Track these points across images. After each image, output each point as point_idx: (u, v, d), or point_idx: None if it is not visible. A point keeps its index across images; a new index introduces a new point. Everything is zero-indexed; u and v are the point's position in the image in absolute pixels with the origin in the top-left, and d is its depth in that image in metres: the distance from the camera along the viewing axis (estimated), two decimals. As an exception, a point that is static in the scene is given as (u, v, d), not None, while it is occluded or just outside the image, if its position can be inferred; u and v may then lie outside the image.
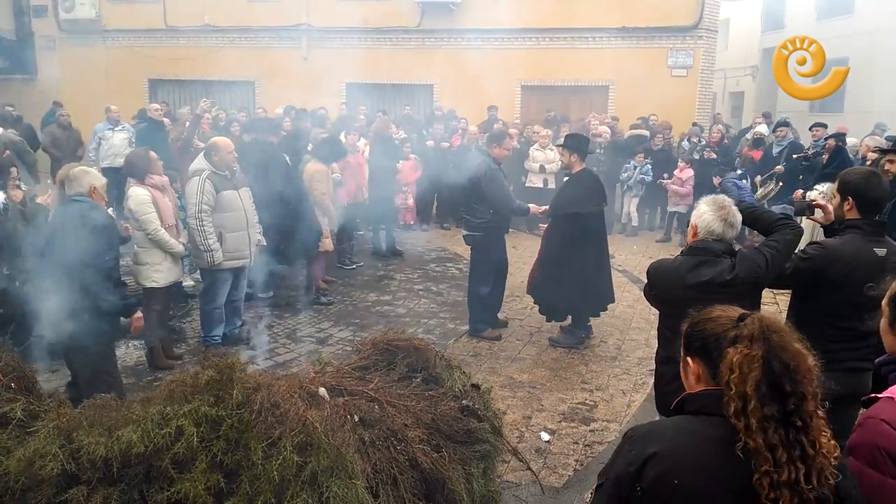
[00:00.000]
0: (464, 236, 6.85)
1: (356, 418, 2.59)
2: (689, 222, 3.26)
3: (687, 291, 3.03)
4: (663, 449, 1.62)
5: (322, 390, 2.66)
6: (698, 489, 1.57)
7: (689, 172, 11.28)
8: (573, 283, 6.21)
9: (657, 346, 3.33)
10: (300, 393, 2.57)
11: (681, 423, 1.70)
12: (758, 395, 1.52)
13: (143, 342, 5.86)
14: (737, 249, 3.15)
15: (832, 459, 1.53)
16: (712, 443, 1.58)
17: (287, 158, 7.28)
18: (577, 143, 6.44)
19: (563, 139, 6.81)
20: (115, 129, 11.12)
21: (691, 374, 1.77)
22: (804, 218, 4.05)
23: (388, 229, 10.17)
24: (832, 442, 1.55)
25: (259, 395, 2.42)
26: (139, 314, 4.38)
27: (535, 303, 6.77)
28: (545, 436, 4.73)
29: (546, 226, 6.60)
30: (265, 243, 6.39)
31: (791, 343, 1.58)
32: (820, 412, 1.55)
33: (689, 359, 1.78)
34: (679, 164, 11.46)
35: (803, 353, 1.58)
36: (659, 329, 3.32)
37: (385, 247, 10.05)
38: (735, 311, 1.72)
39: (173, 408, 2.34)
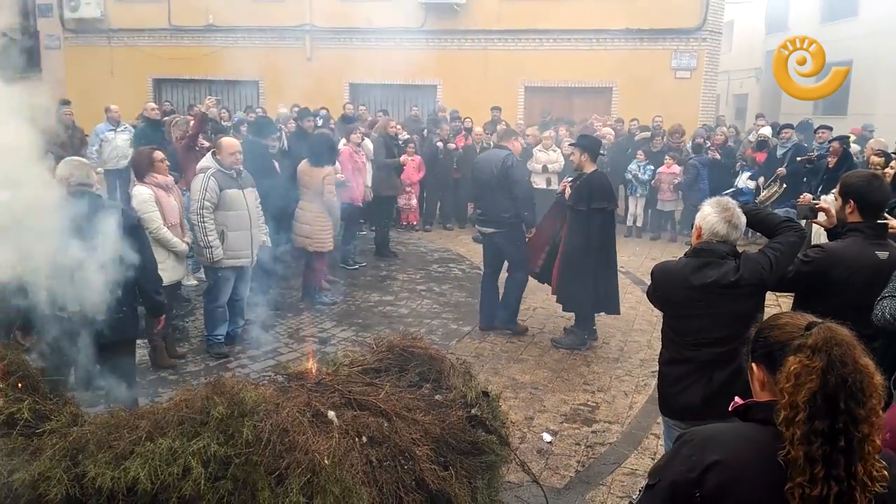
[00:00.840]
0: (489, 234, 6.81)
1: (364, 439, 2.59)
2: (691, 225, 3.27)
3: (691, 293, 3.05)
4: (726, 457, 1.59)
5: (331, 414, 2.65)
6: (759, 502, 1.55)
7: (677, 169, 11.30)
8: (593, 277, 6.28)
9: (661, 347, 3.34)
10: (309, 418, 2.55)
11: (744, 432, 1.66)
12: (810, 408, 1.48)
13: (146, 340, 5.89)
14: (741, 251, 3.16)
15: (878, 487, 1.49)
16: (777, 455, 1.54)
17: (276, 164, 7.34)
18: (589, 144, 6.55)
19: (575, 139, 6.95)
20: (117, 130, 10.97)
21: (756, 380, 1.75)
22: (807, 221, 4.05)
23: (384, 229, 10.17)
24: (882, 472, 1.49)
25: (268, 422, 2.40)
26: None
27: (558, 300, 6.70)
28: (547, 437, 4.74)
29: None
30: (270, 244, 6.43)
31: (855, 358, 1.51)
32: (875, 439, 1.50)
33: (753, 365, 1.76)
34: (665, 159, 11.45)
35: (868, 371, 1.51)
36: (663, 330, 3.33)
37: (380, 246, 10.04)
38: (804, 318, 1.67)
39: (182, 442, 2.32)
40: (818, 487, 1.46)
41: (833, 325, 1.58)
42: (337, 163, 8.30)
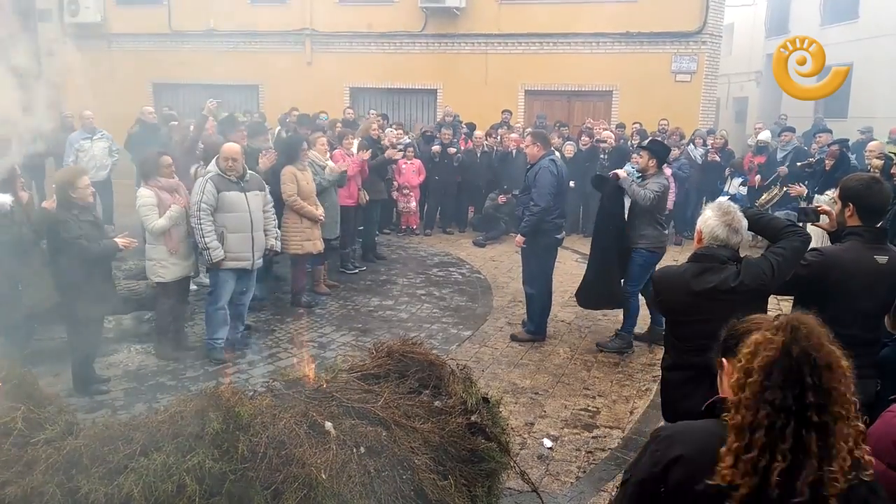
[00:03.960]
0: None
1: (362, 449, 2.57)
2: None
3: (692, 299, 3.02)
4: (688, 452, 1.59)
5: (328, 425, 2.62)
6: (718, 495, 1.52)
7: (668, 171, 11.20)
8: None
9: (664, 352, 3.31)
10: (306, 429, 2.53)
11: (710, 427, 1.64)
12: (764, 375, 1.46)
13: (143, 346, 5.91)
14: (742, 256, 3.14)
15: (842, 470, 1.43)
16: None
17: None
18: (660, 150, 6.61)
19: (645, 142, 7.09)
20: (94, 137, 10.26)
21: (725, 375, 1.75)
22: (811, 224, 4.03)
23: (370, 232, 10.07)
24: (850, 456, 1.44)
25: (264, 435, 2.38)
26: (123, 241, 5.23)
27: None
28: (547, 442, 4.71)
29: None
30: (279, 249, 6.46)
31: (820, 337, 1.50)
32: (854, 421, 1.45)
33: (723, 360, 1.77)
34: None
35: (835, 352, 1.49)
36: (666, 335, 3.30)
37: (368, 251, 9.91)
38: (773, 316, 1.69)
39: (177, 458, 2.30)
40: (755, 455, 1.43)
41: (801, 314, 1.57)
42: (331, 161, 8.29)
